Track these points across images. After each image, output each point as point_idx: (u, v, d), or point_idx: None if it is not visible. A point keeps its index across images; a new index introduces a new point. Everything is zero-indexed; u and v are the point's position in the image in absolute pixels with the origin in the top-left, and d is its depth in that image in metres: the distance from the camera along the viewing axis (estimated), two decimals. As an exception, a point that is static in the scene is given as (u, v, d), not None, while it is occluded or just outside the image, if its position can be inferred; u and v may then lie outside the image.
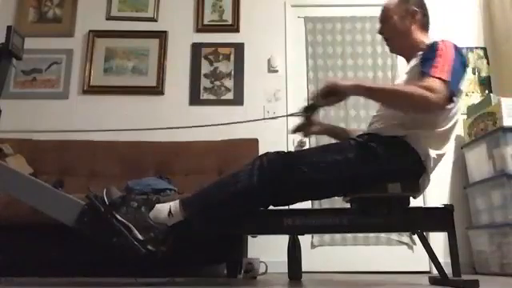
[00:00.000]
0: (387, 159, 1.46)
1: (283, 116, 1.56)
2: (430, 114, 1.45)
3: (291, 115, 1.55)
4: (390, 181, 1.49)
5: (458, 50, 1.53)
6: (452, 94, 1.41)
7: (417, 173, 1.50)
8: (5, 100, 1.65)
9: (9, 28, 1.52)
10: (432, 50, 1.50)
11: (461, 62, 1.49)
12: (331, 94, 1.46)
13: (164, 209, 1.42)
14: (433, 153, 1.49)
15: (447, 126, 1.52)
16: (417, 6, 1.67)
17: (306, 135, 1.74)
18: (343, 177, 1.46)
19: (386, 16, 1.72)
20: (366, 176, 1.48)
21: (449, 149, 1.58)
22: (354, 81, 1.48)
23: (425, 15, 1.70)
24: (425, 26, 1.68)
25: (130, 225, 1.35)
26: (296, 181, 1.44)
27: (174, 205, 1.43)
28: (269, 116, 1.54)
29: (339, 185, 1.49)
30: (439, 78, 1.38)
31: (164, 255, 1.40)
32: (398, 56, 3.25)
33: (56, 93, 3.18)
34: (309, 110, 1.59)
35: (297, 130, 1.70)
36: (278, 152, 1.50)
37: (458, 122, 1.58)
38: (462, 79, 1.50)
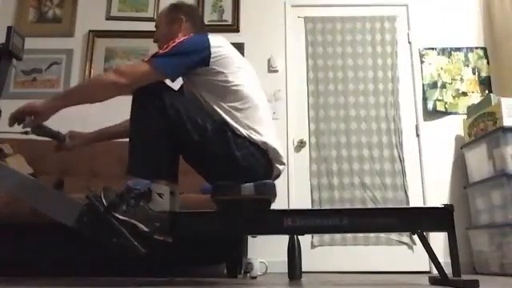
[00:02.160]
0: (233, 148, 1.46)
1: (18, 132, 1.53)
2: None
3: (24, 133, 1.50)
4: (237, 175, 1.47)
5: (193, 37, 1.56)
6: (158, 69, 1.44)
7: (267, 166, 1.52)
8: (5, 100, 1.65)
9: (9, 28, 1.52)
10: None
11: (187, 44, 1.50)
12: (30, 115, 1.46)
13: (155, 196, 1.42)
14: (265, 138, 1.50)
15: (244, 105, 1.52)
16: (183, 14, 1.72)
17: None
18: (195, 139, 1.45)
19: (157, 22, 1.78)
20: (211, 154, 1.47)
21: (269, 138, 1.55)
22: (50, 98, 1.49)
23: (193, 22, 1.73)
24: (196, 32, 1.68)
25: (133, 221, 1.35)
26: (161, 118, 1.44)
27: (153, 188, 1.42)
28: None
29: (189, 146, 1.48)
30: (142, 60, 1.47)
31: (164, 255, 1.40)
32: (398, 56, 3.29)
33: (56, 93, 3.17)
34: (37, 130, 1.54)
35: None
36: (159, 89, 1.47)
37: (259, 106, 1.57)
38: (182, 57, 1.48)
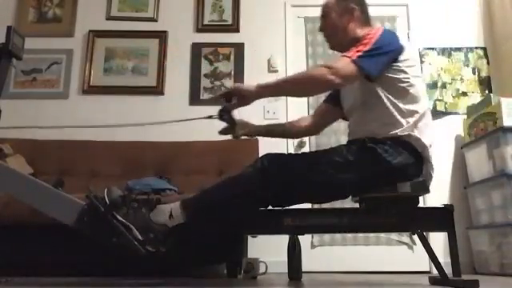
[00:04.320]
0: (386, 158, 1.46)
1: (201, 118, 1.57)
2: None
3: (209, 117, 1.56)
4: (394, 180, 1.50)
5: (386, 32, 1.56)
6: (363, 70, 1.44)
7: (419, 167, 1.52)
8: (5, 100, 1.65)
9: (9, 28, 1.52)
10: (359, 40, 1.52)
11: (385, 40, 1.51)
12: (235, 98, 1.51)
13: (165, 210, 1.42)
14: (426, 141, 1.51)
15: (415, 108, 1.53)
16: (355, 4, 1.70)
17: (234, 137, 1.74)
18: (344, 178, 1.46)
19: (325, 13, 1.75)
20: (367, 177, 1.48)
21: (435, 137, 1.58)
22: (257, 84, 1.51)
23: (363, 12, 1.72)
24: (364, 23, 1.68)
25: (130, 225, 1.35)
26: (295, 182, 1.45)
27: (174, 207, 1.43)
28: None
29: (339, 187, 1.49)
30: (346, 56, 1.45)
31: (163, 256, 1.40)
32: (398, 56, 3.28)
33: (56, 93, 3.18)
34: (223, 113, 1.59)
35: (223, 132, 1.71)
36: (278, 153, 1.51)
37: (425, 106, 1.59)
38: (384, 55, 1.49)
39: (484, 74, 3.25)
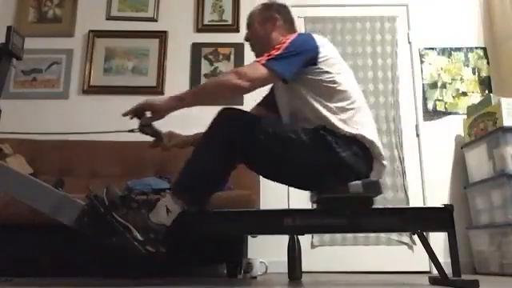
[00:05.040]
0: (336, 149, 1.47)
1: (122, 131, 1.57)
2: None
3: (130, 131, 1.55)
4: (344, 174, 1.49)
5: (299, 35, 1.57)
6: (275, 72, 1.45)
7: (368, 164, 1.53)
8: (5, 100, 1.65)
9: (9, 28, 1.52)
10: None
11: (297, 43, 1.51)
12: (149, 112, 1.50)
13: (162, 208, 1.42)
14: (370, 136, 1.52)
15: (345, 104, 1.53)
16: (277, 13, 1.73)
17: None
18: (292, 156, 1.46)
19: (249, 23, 1.78)
20: (316, 163, 1.48)
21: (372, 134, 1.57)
22: (169, 97, 1.51)
23: (286, 20, 1.75)
24: (288, 31, 1.69)
25: (130, 226, 1.35)
26: (250, 145, 1.46)
27: (167, 200, 1.43)
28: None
29: (287, 163, 1.48)
30: (256, 61, 1.47)
31: (163, 256, 1.40)
32: (398, 56, 3.29)
33: (56, 93, 3.18)
34: (143, 127, 1.57)
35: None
36: (235, 113, 1.50)
37: (361, 108, 1.58)
38: (295, 57, 1.48)
39: (484, 74, 3.25)
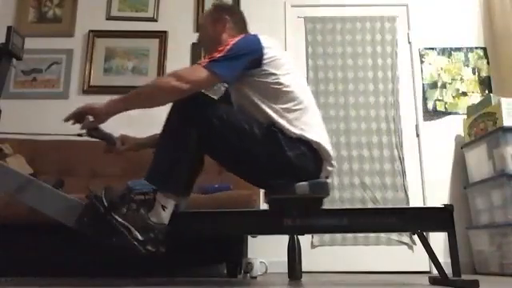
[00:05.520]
0: (284, 147, 1.46)
1: (71, 134, 1.56)
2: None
3: (78, 135, 1.54)
4: (292, 173, 1.48)
5: (244, 37, 1.56)
6: (216, 74, 1.44)
7: (317, 165, 1.52)
8: (5, 100, 1.65)
9: (9, 28, 1.52)
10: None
11: (240, 45, 1.50)
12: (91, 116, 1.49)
13: (158, 206, 1.42)
14: (316, 138, 1.51)
15: (292, 106, 1.52)
16: (228, 15, 1.73)
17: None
18: (243, 146, 1.46)
19: (201, 25, 1.78)
20: (264, 157, 1.47)
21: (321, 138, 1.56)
22: (109, 100, 1.51)
23: (236, 22, 1.74)
24: (239, 33, 1.68)
25: (130, 226, 1.35)
26: (206, 132, 1.45)
27: (158, 197, 1.42)
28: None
29: (235, 151, 1.48)
30: (197, 63, 1.47)
31: (163, 256, 1.40)
32: (398, 56, 3.29)
33: (56, 93, 3.18)
34: (90, 131, 1.56)
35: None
36: (195, 99, 1.48)
37: (307, 108, 1.57)
38: (237, 59, 1.48)
39: (484, 73, 3.25)
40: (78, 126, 1.53)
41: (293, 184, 1.48)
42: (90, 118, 1.50)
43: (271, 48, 1.54)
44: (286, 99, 1.52)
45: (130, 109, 1.51)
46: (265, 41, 1.54)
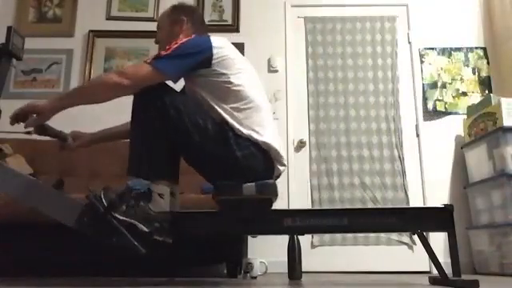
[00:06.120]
0: (233, 146, 1.47)
1: (19, 132, 1.56)
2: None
3: (27, 133, 1.54)
4: (239, 173, 1.48)
5: (193, 38, 1.57)
6: (159, 71, 1.46)
7: (267, 166, 1.52)
8: (5, 100, 1.65)
9: (9, 28, 1.51)
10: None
11: (189, 45, 1.51)
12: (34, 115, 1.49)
13: (156, 196, 1.42)
14: (267, 139, 1.50)
15: (241, 105, 1.52)
16: (185, 15, 1.73)
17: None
18: (196, 141, 1.46)
19: (158, 25, 1.79)
20: (213, 156, 1.48)
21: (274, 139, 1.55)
22: (53, 97, 1.51)
23: (194, 23, 1.74)
24: (195, 33, 1.69)
25: (133, 221, 1.35)
26: (163, 120, 1.45)
27: (153, 188, 1.43)
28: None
29: (192, 147, 1.48)
30: (144, 61, 1.48)
31: (165, 252, 1.40)
32: (398, 56, 3.29)
33: (56, 93, 3.18)
34: (39, 129, 1.56)
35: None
36: (159, 88, 1.48)
37: (258, 107, 1.56)
38: (183, 57, 1.49)
39: (484, 73, 3.25)
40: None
41: (240, 185, 1.47)
42: (33, 116, 1.49)
43: (223, 48, 1.55)
44: (236, 98, 1.52)
45: (75, 105, 1.51)
46: (215, 41, 1.55)
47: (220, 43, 1.56)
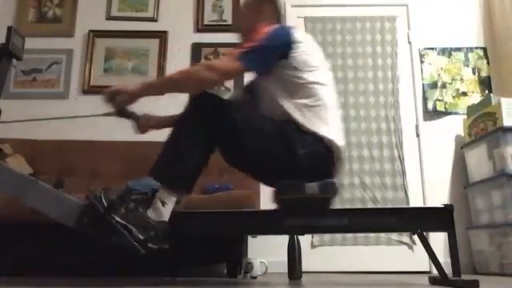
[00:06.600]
0: (297, 146, 1.46)
1: (97, 115, 1.64)
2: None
3: (106, 115, 1.65)
4: (300, 171, 1.47)
5: (277, 28, 1.57)
6: (247, 66, 1.49)
7: (328, 164, 1.52)
8: (5, 100, 1.65)
9: (9, 28, 1.52)
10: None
11: (274, 36, 1.52)
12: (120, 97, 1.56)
13: (157, 202, 1.41)
14: (333, 137, 1.50)
15: (310, 102, 1.52)
16: (268, 3, 1.74)
17: (142, 132, 1.81)
18: (254, 144, 1.46)
19: (240, 11, 1.82)
20: (274, 156, 1.47)
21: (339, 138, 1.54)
22: (141, 83, 1.57)
23: (274, 12, 1.75)
24: (275, 22, 1.70)
25: (130, 225, 1.35)
26: (222, 128, 1.46)
27: (160, 194, 1.42)
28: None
29: (251, 151, 1.48)
30: (230, 54, 1.50)
31: (165, 254, 1.40)
32: (398, 56, 3.29)
33: (56, 93, 3.18)
34: (119, 111, 1.66)
35: (136, 131, 1.79)
36: (211, 97, 1.50)
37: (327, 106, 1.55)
38: (269, 51, 1.50)
39: (484, 73, 3.25)
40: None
41: (303, 184, 1.47)
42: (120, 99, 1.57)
43: (302, 43, 1.55)
44: (306, 95, 1.52)
45: (162, 93, 1.55)
46: (298, 35, 1.55)
47: (301, 38, 1.56)
